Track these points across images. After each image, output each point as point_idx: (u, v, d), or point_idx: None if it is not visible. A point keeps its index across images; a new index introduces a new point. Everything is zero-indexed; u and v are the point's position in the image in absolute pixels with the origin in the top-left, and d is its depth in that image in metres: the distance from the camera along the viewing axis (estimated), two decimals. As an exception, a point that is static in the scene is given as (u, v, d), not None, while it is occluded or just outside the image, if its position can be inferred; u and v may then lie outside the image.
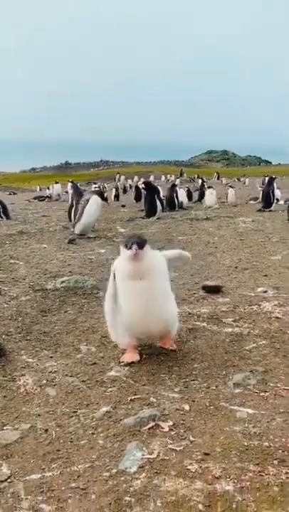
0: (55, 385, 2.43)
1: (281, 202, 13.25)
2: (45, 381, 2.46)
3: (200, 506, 1.51)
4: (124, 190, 23.93)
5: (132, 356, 2.64)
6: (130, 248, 2.43)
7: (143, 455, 1.77)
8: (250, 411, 2.09)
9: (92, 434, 1.97)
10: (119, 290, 2.55)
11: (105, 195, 7.57)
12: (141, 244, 2.45)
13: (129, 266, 2.48)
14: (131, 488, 1.61)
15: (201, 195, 15.48)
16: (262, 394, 2.26)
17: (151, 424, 1.97)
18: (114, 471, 1.71)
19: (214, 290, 4.06)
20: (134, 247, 2.41)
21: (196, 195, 16.62)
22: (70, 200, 9.44)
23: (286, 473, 1.67)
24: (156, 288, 2.54)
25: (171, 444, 1.85)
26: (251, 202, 14.68)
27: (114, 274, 2.58)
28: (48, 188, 24.21)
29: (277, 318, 3.35)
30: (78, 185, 18.37)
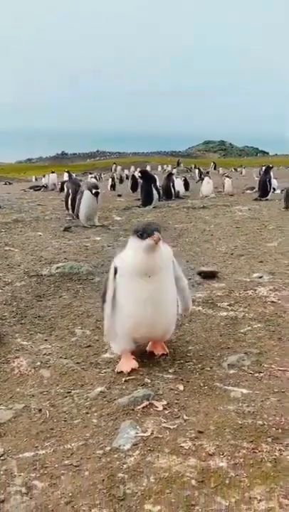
0: (49, 366, 2.42)
1: (278, 191, 13.21)
2: (39, 363, 2.45)
3: (193, 482, 1.51)
4: (121, 181, 23.79)
5: (128, 363, 2.32)
6: (150, 235, 2.09)
7: (137, 433, 1.77)
8: (244, 391, 2.09)
9: (86, 413, 1.96)
10: (121, 289, 2.23)
11: (99, 190, 7.46)
12: (159, 231, 2.14)
13: (144, 259, 2.14)
14: (124, 465, 1.61)
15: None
16: (256, 375, 2.26)
17: (145, 403, 1.97)
18: (108, 448, 1.71)
19: (210, 276, 4.05)
20: (157, 234, 2.09)
21: (198, 185, 16.55)
22: (66, 190, 9.34)
23: (280, 450, 1.67)
24: (166, 286, 2.27)
25: (164, 422, 1.84)
26: (248, 191, 14.64)
27: (114, 271, 2.24)
28: (44, 177, 24.07)
29: (272, 302, 3.35)
30: (74, 175, 18.27)
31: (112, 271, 2.26)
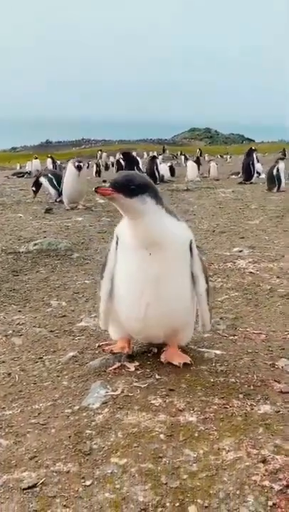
0: (21, 335, 2.37)
1: (263, 176, 13.24)
2: (11, 331, 2.40)
3: (162, 436, 1.48)
4: (106, 167, 23.59)
5: (122, 348, 1.99)
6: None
7: (107, 392, 1.73)
8: (218, 352, 2.07)
9: (57, 376, 1.92)
10: (118, 265, 1.84)
11: (82, 164, 7.30)
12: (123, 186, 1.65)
13: (131, 226, 1.73)
14: (92, 423, 1.57)
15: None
16: (231, 337, 2.24)
17: (117, 364, 1.93)
18: (77, 407, 1.67)
19: (190, 250, 4.02)
20: (106, 188, 1.67)
21: (184, 171, 16.44)
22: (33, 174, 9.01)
23: (251, 405, 1.65)
24: (173, 271, 1.78)
25: (136, 382, 1.81)
26: (233, 176, 14.65)
27: (116, 240, 1.85)
28: (27, 164, 23.69)
29: (250, 273, 3.34)
30: (59, 162, 17.94)
31: (114, 240, 1.87)
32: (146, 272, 1.74)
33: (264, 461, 1.35)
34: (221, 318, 2.44)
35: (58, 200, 7.73)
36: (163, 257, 1.73)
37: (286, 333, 2.30)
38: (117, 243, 1.83)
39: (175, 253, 1.77)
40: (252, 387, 1.77)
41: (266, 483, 1.27)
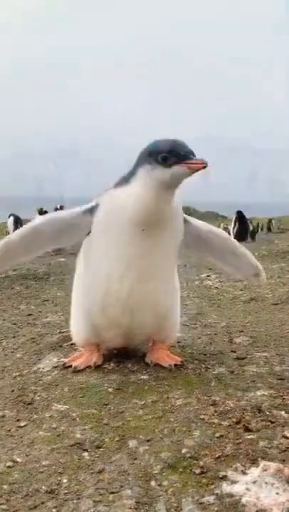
0: (-16, 326, 2.18)
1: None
2: (-26, 323, 2.20)
3: (110, 390, 1.30)
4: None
5: (87, 358, 1.47)
6: (185, 159, 1.24)
7: (59, 359, 1.55)
8: (179, 334, 1.90)
9: (12, 352, 1.73)
10: (94, 243, 1.41)
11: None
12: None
13: (153, 201, 1.29)
14: (39, 381, 1.39)
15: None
16: (192, 326, 2.10)
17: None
18: (26, 371, 1.48)
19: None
20: (198, 158, 1.24)
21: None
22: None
23: (206, 367, 1.48)
24: (166, 252, 1.41)
25: (91, 352, 1.63)
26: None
27: (90, 210, 1.39)
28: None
29: (216, 287, 3.25)
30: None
31: (82, 209, 1.41)
32: (136, 246, 1.34)
33: (214, 404, 1.18)
34: (184, 313, 2.29)
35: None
36: (158, 234, 1.34)
37: (246, 321, 2.17)
38: (90, 212, 1.39)
39: (174, 231, 1.41)
40: (208, 355, 1.61)
41: (215, 420, 1.09)
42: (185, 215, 1.48)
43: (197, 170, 1.24)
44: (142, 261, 1.36)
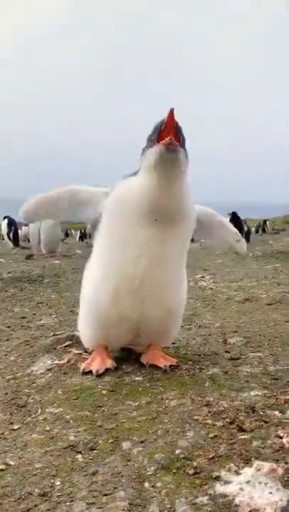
0: (-23, 329, 2.16)
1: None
2: None
3: (104, 392, 1.30)
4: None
5: (101, 362, 1.44)
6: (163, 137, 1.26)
7: (53, 361, 1.55)
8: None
9: (5, 355, 1.72)
10: (105, 234, 1.41)
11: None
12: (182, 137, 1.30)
13: (151, 186, 1.29)
14: (33, 384, 1.38)
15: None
16: (187, 327, 2.10)
17: (68, 342, 1.75)
18: (19, 374, 1.47)
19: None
20: (169, 139, 1.25)
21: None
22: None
23: (200, 368, 1.48)
24: (178, 246, 1.42)
25: (86, 354, 1.62)
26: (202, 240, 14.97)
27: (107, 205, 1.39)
28: None
29: (210, 288, 3.25)
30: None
31: (104, 190, 1.44)
32: (148, 234, 1.32)
33: (208, 404, 1.17)
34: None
35: (38, 252, 7.58)
36: (171, 227, 1.34)
37: (240, 322, 2.17)
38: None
39: (187, 225, 1.41)
40: (202, 356, 1.61)
41: (209, 421, 1.09)
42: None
43: (166, 145, 1.24)
44: (156, 245, 1.33)
